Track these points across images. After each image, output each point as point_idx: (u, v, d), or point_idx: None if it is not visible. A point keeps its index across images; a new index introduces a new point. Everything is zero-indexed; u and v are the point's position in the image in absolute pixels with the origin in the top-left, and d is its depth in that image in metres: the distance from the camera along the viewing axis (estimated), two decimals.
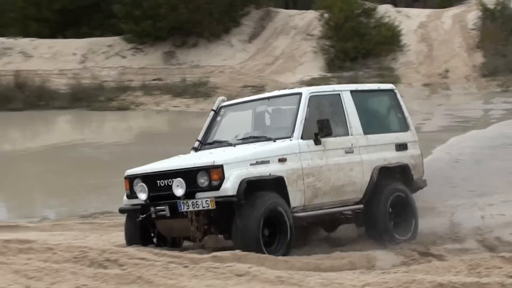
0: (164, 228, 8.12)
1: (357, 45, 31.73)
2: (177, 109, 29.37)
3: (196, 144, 9.22)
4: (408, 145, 9.21)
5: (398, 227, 8.61)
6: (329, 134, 8.04)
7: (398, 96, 9.50)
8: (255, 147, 8.26)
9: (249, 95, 24.68)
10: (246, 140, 8.54)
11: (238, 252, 7.37)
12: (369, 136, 8.78)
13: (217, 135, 9.19)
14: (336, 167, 8.32)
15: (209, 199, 7.41)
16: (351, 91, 8.95)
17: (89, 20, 37.61)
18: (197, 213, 7.54)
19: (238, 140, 8.61)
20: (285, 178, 7.77)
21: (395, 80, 28.38)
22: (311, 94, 8.47)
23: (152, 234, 8.23)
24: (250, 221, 7.43)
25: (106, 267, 5.97)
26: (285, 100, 8.85)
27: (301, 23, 36.61)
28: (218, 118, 9.46)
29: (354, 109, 8.74)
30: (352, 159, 8.52)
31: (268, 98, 9.17)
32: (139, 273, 5.73)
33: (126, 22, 34.54)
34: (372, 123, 9.12)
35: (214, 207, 7.37)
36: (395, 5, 38.76)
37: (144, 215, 7.87)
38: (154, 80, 32.46)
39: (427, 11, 36.32)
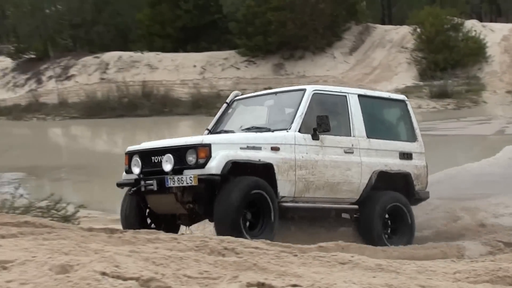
0: (153, 203, 8.09)
1: (447, 56, 32.93)
2: None
3: (205, 132, 9.11)
4: (414, 155, 9.00)
5: (392, 236, 8.47)
6: (326, 130, 7.89)
7: (409, 107, 9.30)
8: (250, 133, 8.20)
9: None
10: (249, 130, 8.38)
11: (341, 242, 7.49)
12: (372, 140, 8.62)
13: (225, 126, 9.02)
14: (332, 164, 8.16)
15: (192, 176, 7.32)
16: (359, 95, 8.79)
17: (207, 36, 40.17)
18: (182, 189, 7.47)
19: (242, 130, 8.49)
20: (274, 166, 7.66)
21: (481, 88, 30.56)
22: (315, 92, 8.34)
23: (147, 215, 8.21)
24: (230, 202, 7.30)
25: (225, 255, 6.06)
26: (290, 96, 8.71)
27: (396, 37, 38.12)
28: (230, 110, 9.29)
29: (359, 113, 8.59)
30: (351, 159, 8.35)
31: (276, 93, 9.09)
32: (254, 261, 5.68)
33: (240, 38, 37.36)
34: (377, 129, 8.98)
35: (197, 184, 7.28)
36: (480, 20, 39.98)
37: (135, 188, 7.88)
38: (265, 88, 31.25)
39: (510, 25, 37.07)
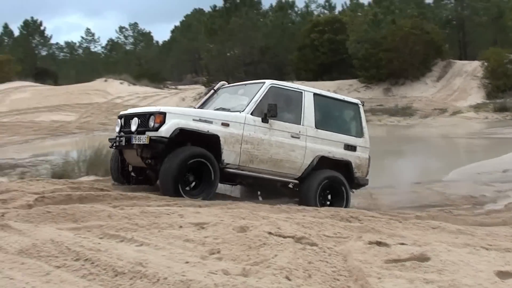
0: (125, 156, 8.85)
1: (505, 82, 38.10)
2: (392, 123, 34.02)
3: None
4: (358, 148, 9.59)
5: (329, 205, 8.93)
6: (274, 115, 8.51)
7: (361, 110, 9.81)
8: (206, 110, 8.93)
9: (435, 115, 35.45)
10: (216, 110, 8.96)
11: (432, 212, 8.69)
12: (320, 130, 9.17)
13: (206, 106, 9.68)
14: (278, 144, 8.73)
15: (146, 136, 7.95)
16: (315, 94, 9.30)
17: (337, 69, 47.34)
18: (142, 147, 8.08)
19: (214, 109, 9.08)
20: (220, 137, 8.21)
21: None
22: (272, 85, 8.91)
23: (131, 169, 9.05)
24: (169, 168, 7.77)
25: (351, 221, 6.64)
26: (253, 87, 9.12)
27: (470, 69, 43.45)
28: (215, 96, 9.96)
29: (312, 107, 9.11)
30: (296, 143, 8.91)
31: (245, 84, 9.63)
32: (372, 225, 6.21)
33: (360, 70, 44.20)
34: (327, 122, 9.44)
35: (148, 143, 7.89)
36: None
37: (112, 143, 8.75)
38: (378, 105, 38.14)
39: None
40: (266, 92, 8.89)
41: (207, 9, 61.48)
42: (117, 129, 8.94)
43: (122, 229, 5.43)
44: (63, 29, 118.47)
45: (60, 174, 11.38)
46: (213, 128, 8.33)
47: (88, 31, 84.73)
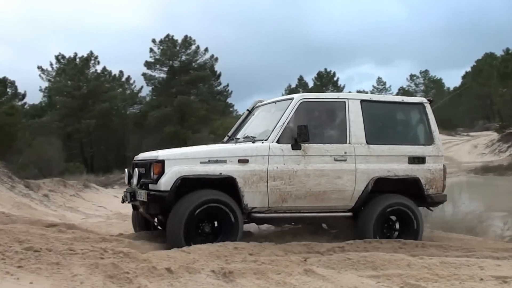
0: (142, 210, 7.74)
1: None
2: None
3: (225, 138, 8.81)
4: (427, 159, 8.16)
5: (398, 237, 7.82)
6: (305, 140, 7.28)
7: (428, 109, 8.37)
8: (221, 145, 7.95)
9: None
10: (245, 139, 8.01)
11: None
12: (373, 146, 7.86)
13: (239, 133, 8.61)
14: (316, 173, 7.50)
15: (144, 192, 7.06)
16: (362, 101, 7.99)
17: None
18: (148, 203, 7.07)
19: (243, 138, 8.11)
20: (237, 178, 7.13)
21: None
22: (302, 101, 7.70)
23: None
24: (176, 219, 6.85)
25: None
26: (281, 105, 7.97)
27: None
28: (250, 117, 8.81)
29: (360, 119, 7.83)
30: (343, 167, 7.65)
31: (276, 102, 8.35)
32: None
33: None
34: (383, 134, 8.17)
35: (146, 200, 6.97)
36: None
37: (122, 197, 8.00)
38: None
39: None
40: (296, 110, 7.72)
41: (499, 52, 59.48)
42: (126, 180, 8.27)
43: (422, 279, 5.46)
44: (355, 79, 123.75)
45: None
46: (228, 169, 7.27)
47: (379, 80, 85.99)
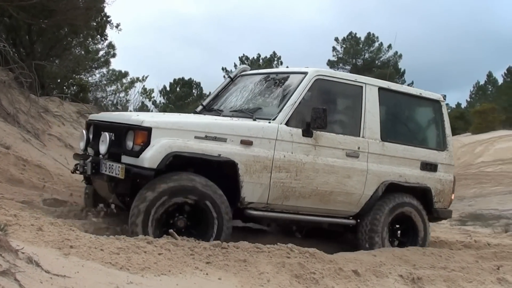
0: (94, 185, 6.48)
1: None
2: None
3: (198, 108, 7.45)
4: (439, 167, 7.26)
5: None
6: (322, 127, 6.09)
7: (444, 109, 7.47)
8: (218, 119, 6.25)
9: None
10: (235, 113, 6.58)
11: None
12: (388, 144, 6.85)
13: (219, 104, 7.24)
14: (326, 168, 6.35)
15: (120, 167, 5.45)
16: (380, 88, 6.89)
17: None
18: (112, 179, 5.61)
19: (230, 111, 6.72)
20: (239, 164, 5.80)
21: None
22: (318, 77, 6.44)
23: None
24: (142, 203, 5.38)
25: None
26: (290, 79, 6.63)
27: None
28: (232, 87, 7.47)
29: (377, 109, 6.75)
30: (354, 165, 6.57)
31: (277, 73, 7.04)
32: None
33: None
34: (398, 131, 7.22)
35: (123, 177, 5.40)
36: None
37: (74, 167, 6.42)
38: None
39: None
40: (310, 87, 6.41)
41: None
42: (82, 145, 6.64)
43: None
44: None
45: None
46: (228, 150, 5.83)
47: None
